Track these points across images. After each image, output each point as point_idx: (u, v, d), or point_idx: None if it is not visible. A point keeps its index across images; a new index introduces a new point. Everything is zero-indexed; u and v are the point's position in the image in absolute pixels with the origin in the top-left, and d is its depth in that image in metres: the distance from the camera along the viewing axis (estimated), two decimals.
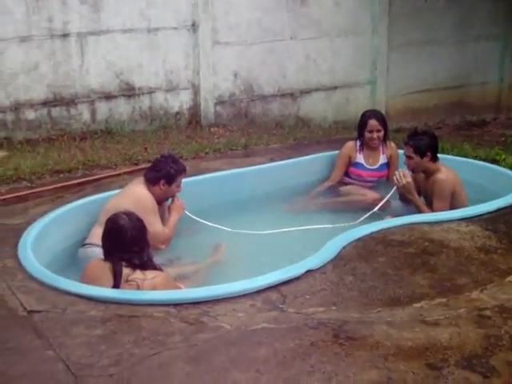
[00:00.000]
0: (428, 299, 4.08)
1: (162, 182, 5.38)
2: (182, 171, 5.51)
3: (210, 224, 5.68)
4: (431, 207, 5.83)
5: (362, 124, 6.73)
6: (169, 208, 5.58)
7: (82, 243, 5.26)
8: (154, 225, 5.19)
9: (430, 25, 10.17)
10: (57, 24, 7.66)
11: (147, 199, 5.32)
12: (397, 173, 5.95)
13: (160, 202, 5.48)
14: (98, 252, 4.60)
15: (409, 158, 5.89)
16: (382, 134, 6.66)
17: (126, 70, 8.19)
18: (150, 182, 5.40)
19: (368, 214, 5.89)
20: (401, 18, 9.87)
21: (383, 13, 9.74)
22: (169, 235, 5.42)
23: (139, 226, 4.30)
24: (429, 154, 5.81)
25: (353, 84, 9.90)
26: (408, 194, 5.90)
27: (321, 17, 9.37)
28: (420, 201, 5.92)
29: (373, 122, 6.65)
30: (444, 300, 4.07)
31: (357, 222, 5.76)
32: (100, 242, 4.53)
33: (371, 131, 6.64)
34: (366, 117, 6.74)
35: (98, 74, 8.03)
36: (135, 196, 5.29)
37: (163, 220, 5.51)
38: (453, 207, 5.78)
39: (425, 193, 6.01)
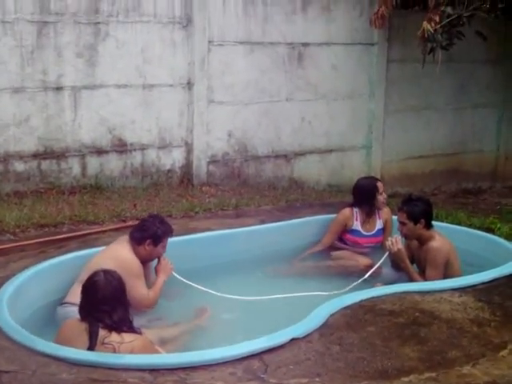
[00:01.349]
0: (417, 373, 3.91)
1: (147, 242, 5.24)
2: (169, 232, 5.38)
3: (198, 287, 5.52)
4: (424, 275, 5.69)
5: (370, 190, 6.65)
6: (156, 269, 5.43)
7: (61, 302, 5.09)
8: (138, 289, 5.08)
9: (428, 91, 10.18)
10: (51, 77, 7.62)
11: (132, 262, 5.18)
12: (389, 239, 5.82)
13: (144, 262, 5.33)
14: (76, 312, 4.41)
15: (402, 223, 5.78)
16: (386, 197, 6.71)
17: (118, 125, 8.12)
18: (136, 241, 5.27)
19: (358, 282, 5.74)
20: (398, 82, 9.89)
21: (381, 77, 9.75)
22: (154, 299, 5.27)
23: (114, 284, 4.14)
24: (422, 220, 5.69)
25: (348, 148, 9.84)
26: (400, 262, 5.76)
27: (318, 79, 9.37)
28: (412, 268, 5.78)
29: (380, 184, 6.71)
30: (434, 374, 3.90)
31: (346, 289, 5.59)
32: (77, 301, 4.37)
33: (381, 193, 6.64)
34: (371, 182, 6.77)
35: (90, 128, 7.95)
36: (119, 258, 5.14)
37: (148, 280, 5.37)
38: (446, 276, 5.64)
39: (418, 260, 5.88)
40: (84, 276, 5.05)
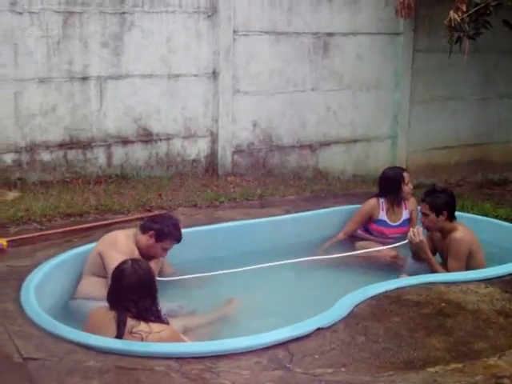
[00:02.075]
0: (443, 364, 3.90)
1: (151, 232, 5.16)
2: (175, 237, 5.25)
3: (183, 277, 5.48)
4: (446, 266, 5.65)
5: (396, 180, 6.64)
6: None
7: (72, 295, 5.16)
8: (114, 260, 4.70)
9: (454, 81, 10.11)
10: (77, 67, 7.65)
11: (121, 242, 5.12)
12: (411, 230, 5.78)
13: (143, 255, 5.14)
14: (82, 306, 4.74)
15: (424, 215, 5.75)
16: (410, 186, 6.71)
17: (144, 115, 8.14)
18: (142, 228, 5.24)
19: (358, 253, 6.00)
20: (424, 73, 9.83)
21: (406, 67, 9.69)
22: None
23: (140, 273, 4.15)
24: (445, 212, 5.66)
25: (373, 138, 9.80)
26: (421, 253, 5.73)
27: (343, 69, 9.33)
28: (434, 260, 5.74)
29: (406, 174, 6.69)
30: (460, 365, 3.88)
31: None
32: (84, 296, 4.73)
33: (407, 184, 6.63)
34: (397, 172, 6.75)
35: (115, 118, 7.98)
36: (109, 238, 5.19)
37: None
38: (469, 267, 5.60)
39: (441, 252, 5.85)
40: (85, 267, 5.13)
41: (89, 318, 4.31)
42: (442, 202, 5.68)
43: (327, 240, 6.69)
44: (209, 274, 5.47)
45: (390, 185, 6.65)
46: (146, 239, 5.18)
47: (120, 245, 5.10)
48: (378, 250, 6.40)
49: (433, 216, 5.69)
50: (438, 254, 5.93)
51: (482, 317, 4.57)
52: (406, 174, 6.66)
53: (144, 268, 4.20)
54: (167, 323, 4.22)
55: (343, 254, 5.98)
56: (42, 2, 7.35)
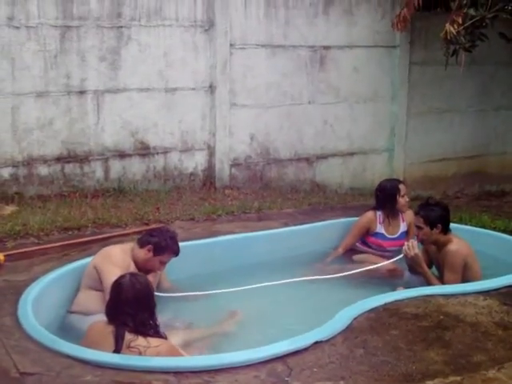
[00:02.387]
0: (442, 377, 3.88)
1: (149, 246, 5.14)
2: (174, 251, 5.23)
3: (180, 294, 5.41)
4: (443, 279, 5.64)
5: (391, 192, 6.63)
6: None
7: (68, 309, 5.13)
8: (109, 274, 4.78)
9: (450, 93, 10.14)
10: (74, 81, 7.66)
11: (116, 256, 5.08)
12: (406, 244, 5.77)
13: (139, 267, 5.12)
14: (79, 320, 4.76)
15: (419, 228, 5.75)
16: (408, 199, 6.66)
17: (141, 128, 8.15)
18: (140, 242, 5.22)
19: (357, 271, 5.83)
20: (420, 85, 9.86)
21: (403, 80, 9.72)
22: None
23: (138, 288, 4.13)
24: (439, 225, 5.65)
25: (370, 151, 9.82)
26: (417, 266, 5.73)
27: (340, 82, 9.35)
28: (429, 273, 5.74)
29: (402, 187, 6.68)
30: (459, 378, 3.87)
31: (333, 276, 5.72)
32: (81, 310, 4.74)
33: (403, 196, 6.62)
34: (393, 183, 6.75)
35: (113, 131, 7.99)
36: (105, 252, 5.16)
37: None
38: (466, 279, 5.59)
39: (437, 264, 5.85)
40: (82, 280, 5.12)
41: (87, 332, 4.29)
42: (435, 215, 5.67)
43: (327, 255, 6.68)
44: (206, 292, 5.43)
45: (386, 197, 6.65)
46: (143, 253, 5.15)
47: (115, 258, 5.07)
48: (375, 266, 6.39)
49: (427, 229, 5.68)
50: (434, 267, 5.92)
51: (481, 329, 4.55)
52: (401, 186, 6.65)
53: (142, 282, 4.18)
54: (165, 338, 4.20)
55: (340, 274, 5.88)
56: (39, 16, 7.37)
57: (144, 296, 4.14)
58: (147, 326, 4.09)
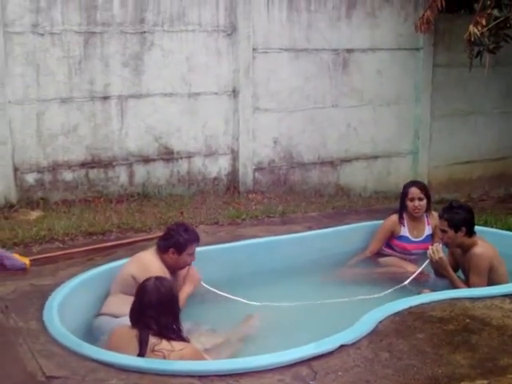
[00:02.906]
0: (468, 380, 3.84)
1: (171, 250, 5.16)
2: (194, 240, 5.27)
3: (225, 295, 5.47)
4: (468, 282, 5.60)
5: (403, 194, 6.60)
6: (184, 278, 5.36)
7: (96, 313, 5.13)
8: None
9: (475, 95, 10.07)
10: (98, 86, 7.72)
11: (154, 264, 5.11)
12: (430, 248, 5.73)
13: (173, 270, 5.24)
14: (109, 321, 4.71)
15: (443, 231, 5.69)
16: (424, 202, 6.52)
17: (165, 133, 8.18)
18: (160, 250, 5.22)
19: (396, 287, 5.64)
20: (444, 87, 9.80)
21: (426, 82, 9.67)
22: None
23: (162, 291, 4.13)
24: (463, 228, 5.59)
25: (394, 154, 9.77)
26: (442, 270, 5.69)
27: (363, 85, 9.33)
28: (455, 276, 5.69)
29: (414, 190, 6.54)
30: (485, 382, 3.83)
31: (381, 294, 5.49)
32: (112, 312, 4.68)
33: (412, 199, 6.51)
34: (406, 186, 6.63)
35: (136, 137, 8.03)
36: (142, 261, 5.16)
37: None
38: (491, 282, 5.54)
39: (462, 268, 5.79)
40: (113, 286, 5.12)
41: (110, 336, 4.31)
42: (460, 218, 5.62)
43: (353, 257, 6.65)
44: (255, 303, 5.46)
45: (400, 200, 6.66)
46: (170, 257, 5.18)
47: (155, 269, 5.06)
48: (403, 267, 6.37)
49: (451, 232, 5.63)
50: (460, 271, 5.88)
51: (508, 332, 4.51)
52: (412, 190, 6.54)
53: (166, 286, 4.19)
54: (189, 341, 4.21)
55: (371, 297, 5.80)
56: (63, 23, 7.44)
57: (168, 300, 4.15)
58: (171, 329, 4.09)
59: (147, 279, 4.26)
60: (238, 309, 5.47)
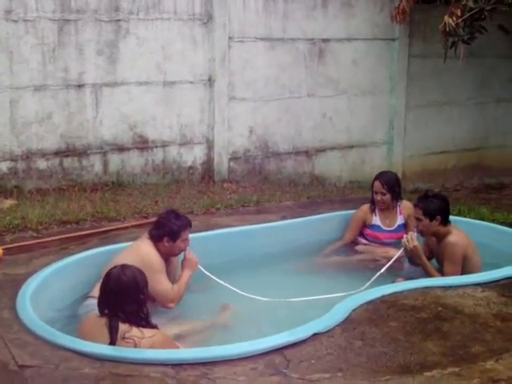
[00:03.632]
0: (440, 368, 3.89)
1: (165, 239, 5.21)
2: (186, 226, 5.32)
3: (221, 282, 5.48)
4: (443, 271, 5.65)
5: (371, 185, 6.65)
6: (181, 263, 5.41)
7: (85, 296, 5.11)
8: (160, 283, 5.08)
9: (449, 85, 10.13)
10: (72, 74, 7.65)
11: (152, 257, 5.15)
12: (405, 236, 5.76)
13: (168, 257, 5.32)
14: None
15: (418, 220, 5.74)
16: (387, 197, 6.57)
17: (139, 122, 8.13)
18: (154, 239, 5.25)
19: (374, 278, 5.66)
20: (419, 77, 9.85)
21: (402, 72, 9.71)
22: (178, 293, 5.21)
23: (124, 280, 4.12)
24: (438, 217, 5.65)
25: (369, 144, 9.81)
26: (416, 258, 5.73)
27: (338, 75, 9.34)
28: (429, 265, 5.73)
29: (376, 184, 6.61)
30: (457, 369, 3.88)
31: (363, 287, 5.51)
32: None
33: (376, 193, 6.59)
34: (373, 179, 6.69)
35: (111, 125, 7.98)
36: (140, 254, 5.14)
37: (174, 276, 5.37)
38: (465, 271, 5.60)
39: (437, 256, 5.85)
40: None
41: (80, 325, 4.31)
42: (435, 207, 5.67)
43: (328, 245, 6.68)
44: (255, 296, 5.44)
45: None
46: (164, 246, 5.23)
47: (157, 265, 5.15)
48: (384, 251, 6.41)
49: (426, 221, 5.67)
50: (434, 259, 5.92)
51: (479, 320, 4.56)
52: (375, 183, 6.60)
53: (128, 275, 4.16)
54: (157, 328, 4.21)
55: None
56: (37, 10, 7.36)
57: (130, 288, 4.12)
58: (138, 316, 4.10)
59: (113, 268, 4.26)
60: (222, 297, 5.48)
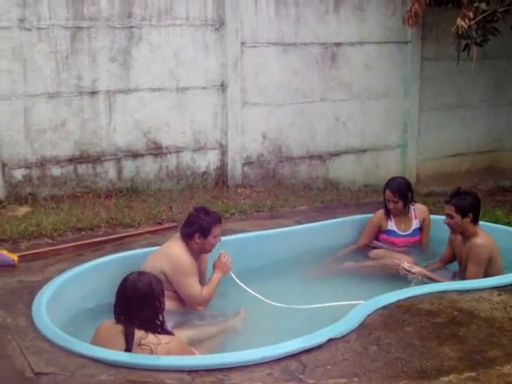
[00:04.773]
0: (457, 373, 3.86)
1: (196, 235, 5.25)
2: (216, 222, 5.36)
3: (252, 292, 5.46)
4: (464, 272, 5.64)
5: (383, 192, 6.63)
6: (214, 264, 5.45)
7: None
8: (189, 287, 5.15)
9: (463, 88, 10.10)
10: (86, 81, 7.68)
11: (182, 259, 5.19)
12: (402, 268, 5.82)
13: (199, 255, 5.38)
14: None
15: (449, 216, 5.72)
16: (399, 205, 6.52)
17: (153, 128, 8.16)
18: (185, 237, 5.30)
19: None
20: (433, 80, 9.82)
21: (415, 75, 9.68)
22: (206, 297, 5.25)
23: (139, 286, 4.10)
24: (470, 214, 5.66)
25: (383, 147, 9.79)
26: (423, 277, 5.76)
27: (351, 79, 9.33)
28: (438, 277, 5.76)
29: (387, 193, 6.57)
30: (473, 374, 3.85)
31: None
32: None
33: (388, 201, 6.56)
34: (384, 186, 6.66)
35: (125, 132, 8.00)
36: (171, 256, 5.19)
37: (201, 274, 5.41)
38: (487, 275, 5.56)
39: (460, 257, 5.84)
40: None
41: (96, 332, 4.30)
42: (467, 204, 5.68)
43: (340, 249, 6.67)
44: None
45: None
46: (196, 243, 5.27)
47: (188, 268, 5.19)
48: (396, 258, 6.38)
49: (458, 218, 5.67)
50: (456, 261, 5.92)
51: (496, 325, 4.53)
52: (386, 192, 6.57)
53: (144, 281, 4.14)
54: (173, 334, 4.21)
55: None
56: (50, 18, 7.40)
57: (145, 295, 4.10)
58: (153, 323, 4.09)
59: (129, 274, 4.25)
60: (238, 302, 5.49)
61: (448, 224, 5.79)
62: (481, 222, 6.80)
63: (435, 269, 6.05)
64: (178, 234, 5.40)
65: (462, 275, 5.72)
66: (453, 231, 5.84)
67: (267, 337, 4.78)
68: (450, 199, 5.80)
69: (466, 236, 5.72)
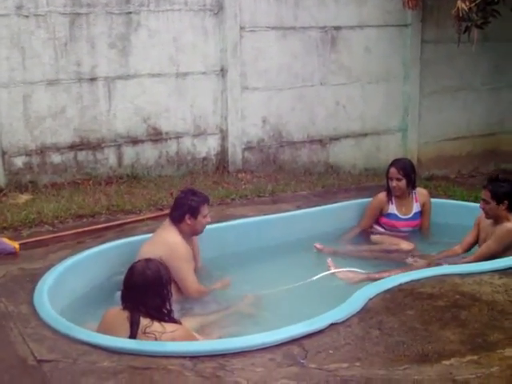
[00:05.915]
0: (458, 356, 3.87)
1: (187, 216, 5.29)
2: (205, 201, 5.43)
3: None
4: (482, 246, 5.72)
5: (386, 172, 6.61)
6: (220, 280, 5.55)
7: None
8: (185, 272, 5.20)
9: (463, 71, 10.05)
10: (85, 68, 7.65)
11: (180, 246, 5.24)
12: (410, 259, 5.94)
13: (191, 237, 5.43)
14: None
15: (485, 202, 5.73)
16: (402, 183, 6.52)
17: (153, 114, 8.13)
18: (176, 220, 5.33)
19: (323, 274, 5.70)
20: (433, 63, 9.77)
21: (415, 59, 9.63)
22: (200, 289, 5.31)
23: (147, 274, 4.10)
24: (506, 202, 5.66)
25: (383, 131, 9.76)
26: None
27: (351, 63, 9.29)
28: (443, 255, 5.87)
29: (392, 170, 6.58)
30: (475, 357, 3.86)
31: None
32: None
33: (391, 179, 6.56)
34: (389, 165, 6.67)
35: (125, 118, 7.98)
36: (167, 243, 5.21)
37: (194, 257, 5.44)
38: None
39: (484, 237, 5.85)
40: None
41: (102, 318, 4.30)
42: (504, 192, 5.68)
43: (346, 232, 6.72)
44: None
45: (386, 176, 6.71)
46: (187, 225, 5.33)
47: (184, 255, 5.25)
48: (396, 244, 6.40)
49: (493, 204, 5.68)
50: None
51: (497, 308, 4.53)
52: (390, 169, 6.59)
53: (152, 268, 4.14)
54: (180, 323, 4.21)
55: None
56: (48, 4, 7.36)
57: (153, 282, 4.10)
58: (160, 311, 4.09)
59: (137, 261, 4.26)
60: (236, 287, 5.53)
61: (483, 209, 5.80)
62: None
63: (449, 255, 6.04)
64: (167, 221, 5.43)
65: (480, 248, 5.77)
66: (487, 216, 5.83)
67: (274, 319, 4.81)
68: (486, 184, 5.82)
69: (498, 221, 5.73)
